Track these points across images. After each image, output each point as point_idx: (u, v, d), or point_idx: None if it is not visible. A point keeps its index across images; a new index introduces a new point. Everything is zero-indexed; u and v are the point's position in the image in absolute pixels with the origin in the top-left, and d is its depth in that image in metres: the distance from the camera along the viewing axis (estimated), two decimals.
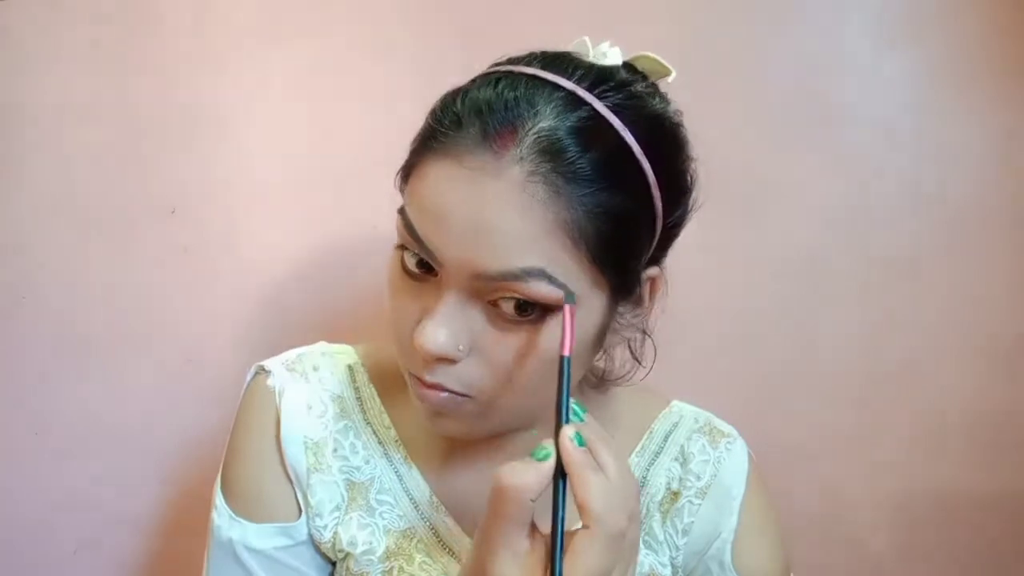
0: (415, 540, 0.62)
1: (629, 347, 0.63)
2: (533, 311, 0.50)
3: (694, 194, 0.59)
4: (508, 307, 0.50)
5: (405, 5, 0.88)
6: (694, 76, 0.87)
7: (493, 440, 0.62)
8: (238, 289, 0.88)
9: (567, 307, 0.49)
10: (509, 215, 0.48)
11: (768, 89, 0.89)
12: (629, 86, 0.54)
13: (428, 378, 0.52)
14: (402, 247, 0.54)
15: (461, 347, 0.51)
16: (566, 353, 0.48)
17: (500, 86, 0.51)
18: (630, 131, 0.51)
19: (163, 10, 0.86)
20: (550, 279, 0.49)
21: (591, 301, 0.52)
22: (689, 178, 0.58)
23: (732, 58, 0.89)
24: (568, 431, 0.46)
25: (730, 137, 0.87)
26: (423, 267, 0.52)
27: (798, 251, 0.90)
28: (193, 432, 0.88)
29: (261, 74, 0.87)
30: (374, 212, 0.88)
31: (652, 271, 0.57)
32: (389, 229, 0.91)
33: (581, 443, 0.46)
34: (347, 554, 0.61)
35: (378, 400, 0.65)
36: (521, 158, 0.48)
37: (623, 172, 0.51)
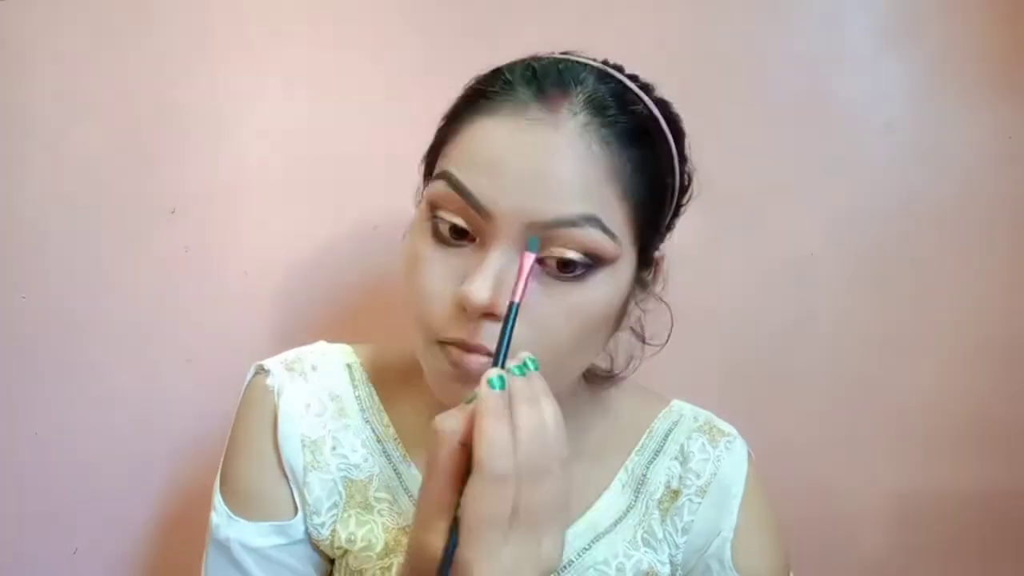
0: None
1: (632, 330, 0.64)
2: (576, 268, 0.51)
3: (691, 186, 0.61)
4: (552, 264, 0.51)
5: (405, 5, 0.88)
6: (694, 76, 0.87)
7: None
8: (238, 289, 0.88)
9: (526, 255, 0.49)
10: (568, 163, 0.50)
11: (768, 89, 0.89)
12: (637, 78, 0.58)
13: (471, 340, 0.51)
14: (433, 217, 0.53)
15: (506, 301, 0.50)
16: (516, 299, 0.48)
17: (544, 60, 0.56)
18: (656, 107, 0.56)
19: (162, 10, 0.86)
20: (604, 228, 0.51)
21: (626, 261, 0.54)
22: (690, 168, 0.60)
23: (732, 58, 0.89)
24: (490, 373, 0.46)
25: (731, 137, 0.87)
26: (457, 234, 0.52)
27: (798, 251, 0.90)
28: (193, 432, 0.88)
29: (261, 74, 0.87)
30: (374, 212, 0.88)
31: (661, 251, 0.60)
32: (389, 229, 0.91)
33: (502, 387, 0.45)
34: (345, 551, 0.61)
35: (377, 399, 0.65)
36: (575, 113, 0.51)
37: (656, 137, 0.55)
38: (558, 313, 0.52)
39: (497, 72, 0.55)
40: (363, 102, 0.88)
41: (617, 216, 0.52)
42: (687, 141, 0.60)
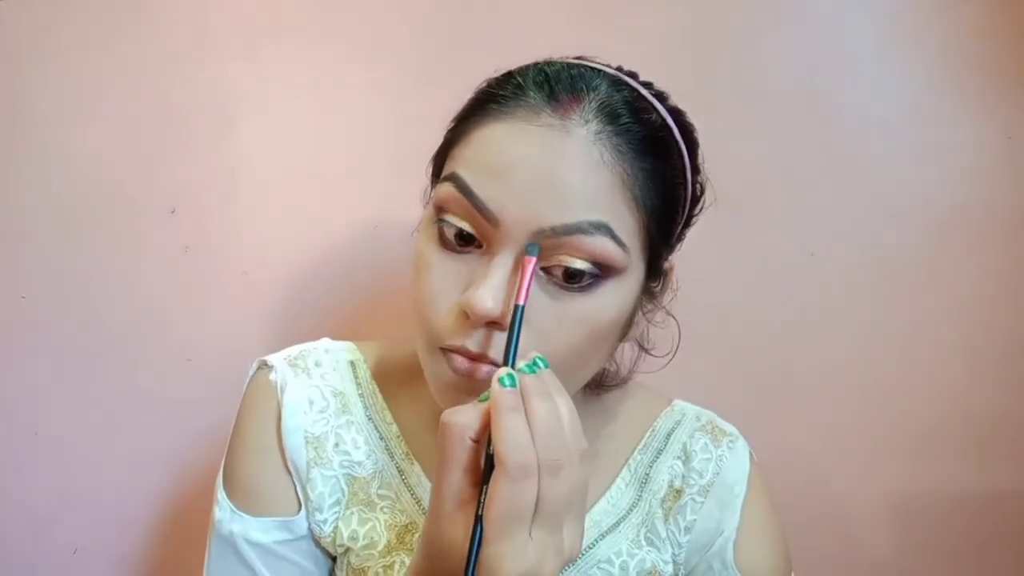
0: (417, 535, 0.62)
1: (636, 341, 0.63)
2: (582, 279, 0.51)
3: (704, 196, 0.60)
4: (558, 273, 0.50)
5: (405, 5, 0.88)
6: (694, 76, 0.87)
7: None
8: (238, 288, 0.88)
9: (528, 258, 0.49)
10: (579, 170, 0.49)
11: (768, 89, 0.89)
12: (652, 85, 0.57)
13: (474, 349, 0.51)
14: (439, 220, 0.53)
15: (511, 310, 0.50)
16: (521, 302, 0.48)
17: (556, 65, 0.54)
18: (669, 116, 0.55)
19: (163, 10, 0.86)
20: (614, 236, 0.50)
21: (635, 271, 0.53)
22: (702, 178, 0.60)
23: (732, 58, 0.89)
24: (500, 372, 0.46)
25: (730, 137, 0.87)
26: (463, 239, 0.52)
27: (798, 251, 0.90)
28: (193, 432, 0.88)
29: (261, 74, 0.87)
30: (374, 211, 0.88)
31: (670, 261, 0.59)
32: (389, 229, 0.91)
33: (513, 385, 0.45)
34: (347, 548, 0.61)
35: (380, 396, 0.65)
36: (587, 120, 0.51)
37: (669, 147, 0.54)
38: (564, 323, 0.51)
39: (508, 75, 0.55)
40: (363, 102, 0.88)
41: (628, 225, 0.51)
42: (700, 151, 0.59)
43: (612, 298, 0.52)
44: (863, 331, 0.91)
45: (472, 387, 0.52)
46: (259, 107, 0.87)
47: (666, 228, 0.55)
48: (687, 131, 0.57)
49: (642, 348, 0.65)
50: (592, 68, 0.55)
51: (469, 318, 0.50)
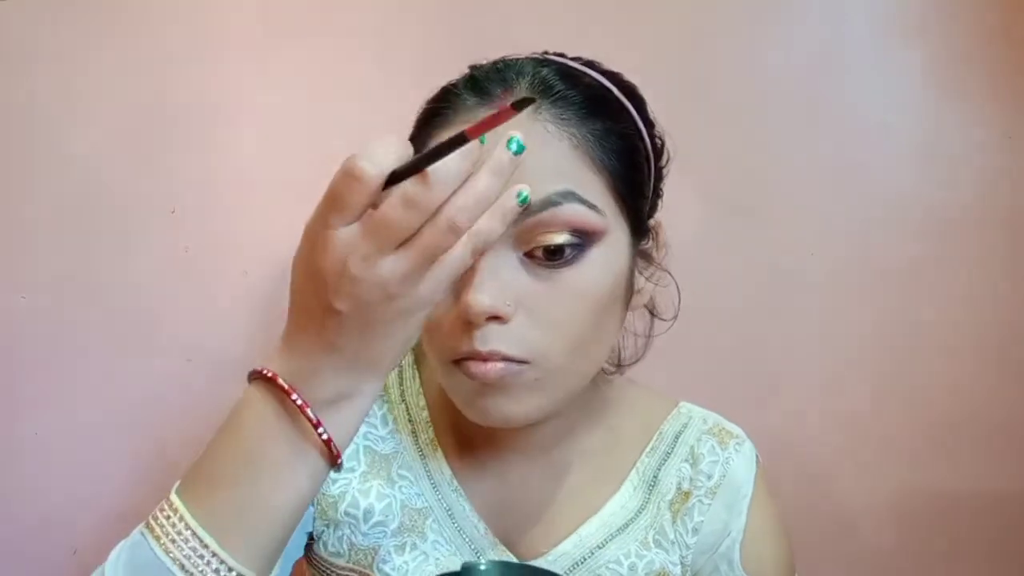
0: (430, 519, 0.62)
1: (647, 308, 0.64)
2: (564, 252, 0.51)
3: (668, 150, 0.61)
4: (540, 253, 0.51)
5: (405, 5, 0.88)
6: (694, 76, 0.87)
7: (520, 433, 0.61)
8: (238, 289, 0.88)
9: (505, 108, 0.38)
10: (529, 147, 0.47)
11: (768, 89, 0.89)
12: (580, 58, 0.59)
13: (483, 348, 0.51)
14: None
15: (509, 303, 0.50)
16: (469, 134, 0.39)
17: (484, 66, 0.57)
18: (604, 78, 0.57)
19: (162, 10, 0.86)
20: (582, 200, 0.51)
21: (618, 233, 0.54)
22: (659, 131, 0.61)
23: (732, 58, 0.89)
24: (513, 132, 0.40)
25: (730, 137, 0.87)
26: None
27: (798, 252, 0.90)
28: (193, 432, 0.88)
29: (260, 74, 0.87)
30: None
31: (655, 219, 0.60)
32: None
33: (520, 150, 0.40)
34: (345, 521, 0.61)
35: (418, 381, 0.67)
36: None
37: (611, 105, 0.56)
38: (562, 301, 0.52)
39: (444, 89, 0.57)
40: (362, 102, 0.88)
41: (594, 187, 0.52)
42: (649, 107, 0.60)
43: (602, 264, 0.53)
44: (863, 331, 0.91)
45: (490, 389, 0.53)
46: (259, 107, 0.87)
47: (635, 183, 0.56)
48: (628, 89, 0.58)
49: (652, 313, 0.65)
50: (517, 58, 0.57)
51: (471, 322, 0.50)
